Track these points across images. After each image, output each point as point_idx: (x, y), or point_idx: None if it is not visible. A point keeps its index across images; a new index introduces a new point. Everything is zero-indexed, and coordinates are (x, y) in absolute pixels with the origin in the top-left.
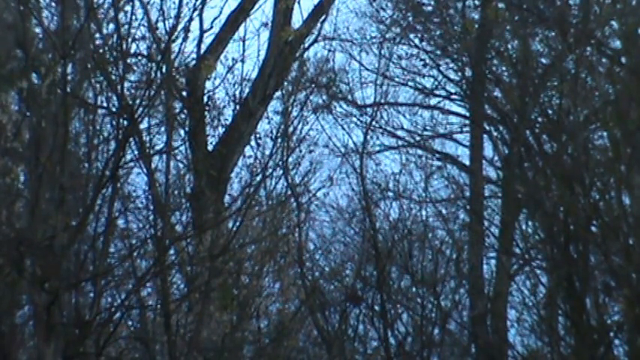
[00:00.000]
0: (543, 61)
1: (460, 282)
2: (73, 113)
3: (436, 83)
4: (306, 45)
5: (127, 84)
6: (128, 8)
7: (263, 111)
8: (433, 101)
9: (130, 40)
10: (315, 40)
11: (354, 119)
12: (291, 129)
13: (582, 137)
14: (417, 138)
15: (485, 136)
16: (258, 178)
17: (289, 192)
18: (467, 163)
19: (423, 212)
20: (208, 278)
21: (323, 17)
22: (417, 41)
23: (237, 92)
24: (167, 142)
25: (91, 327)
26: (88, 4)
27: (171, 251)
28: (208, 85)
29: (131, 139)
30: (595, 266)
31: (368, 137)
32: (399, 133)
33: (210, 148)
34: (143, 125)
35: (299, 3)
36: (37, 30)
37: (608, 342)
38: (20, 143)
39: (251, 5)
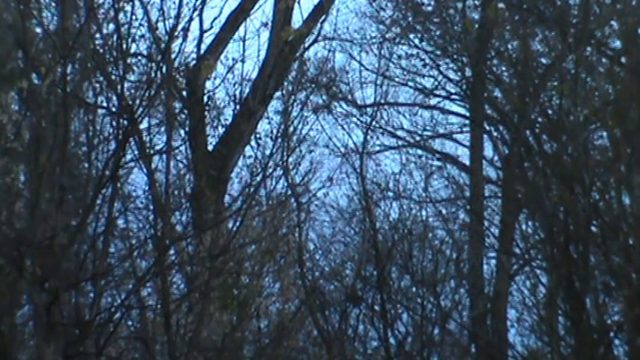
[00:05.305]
0: (543, 61)
1: (460, 282)
2: (73, 113)
3: (436, 83)
4: (306, 45)
5: (127, 84)
6: (128, 8)
7: (263, 111)
8: (433, 101)
9: (130, 40)
10: (315, 40)
11: (354, 119)
12: (291, 129)
13: (582, 137)
14: (417, 138)
15: (485, 136)
16: (258, 178)
17: (289, 192)
18: (467, 163)
19: (423, 212)
20: (208, 278)
21: (323, 17)
22: (417, 41)
23: (237, 92)
24: (167, 142)
25: (91, 327)
26: (88, 4)
27: (172, 251)
28: (208, 85)
29: (131, 139)
30: (595, 266)
31: (368, 137)
32: (399, 133)
33: (210, 148)
34: (143, 125)
35: (299, 3)
36: (37, 30)
37: (608, 342)
38: (20, 143)
39: (251, 5)
